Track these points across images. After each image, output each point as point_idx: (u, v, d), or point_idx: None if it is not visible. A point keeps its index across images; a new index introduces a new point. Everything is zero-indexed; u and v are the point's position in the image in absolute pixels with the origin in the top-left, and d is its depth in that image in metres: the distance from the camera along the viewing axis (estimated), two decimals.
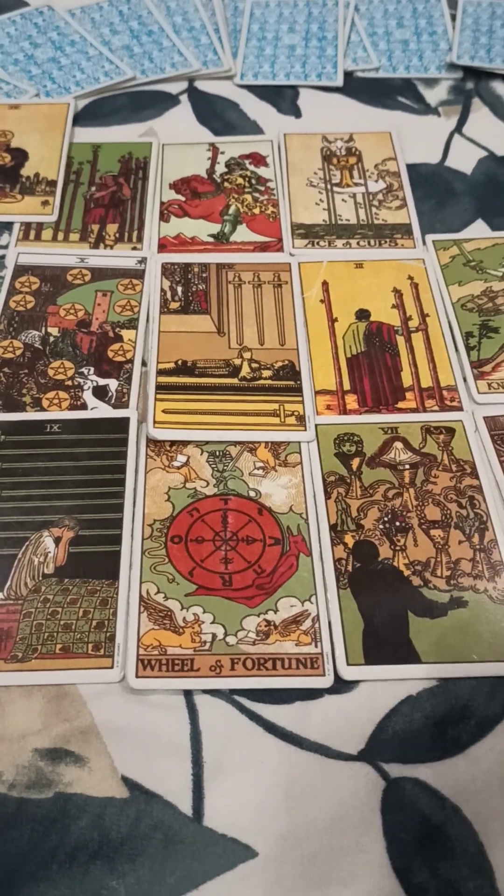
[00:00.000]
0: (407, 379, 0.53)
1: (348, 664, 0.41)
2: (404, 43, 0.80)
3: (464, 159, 0.68)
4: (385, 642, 0.42)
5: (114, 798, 0.37)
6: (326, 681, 0.41)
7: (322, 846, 0.36)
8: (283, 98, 0.74)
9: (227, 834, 0.36)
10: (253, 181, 0.66)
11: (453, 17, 0.83)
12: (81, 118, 0.71)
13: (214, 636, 0.42)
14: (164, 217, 0.63)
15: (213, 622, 0.42)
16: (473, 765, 0.38)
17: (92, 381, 0.52)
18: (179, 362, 0.53)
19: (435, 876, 0.36)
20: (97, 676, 0.40)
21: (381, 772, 0.38)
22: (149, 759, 0.38)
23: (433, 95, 0.75)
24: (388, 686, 0.41)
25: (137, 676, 0.40)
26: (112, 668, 0.40)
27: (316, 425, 0.51)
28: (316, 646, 0.42)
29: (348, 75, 0.76)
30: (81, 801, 0.37)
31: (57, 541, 0.44)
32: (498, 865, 0.36)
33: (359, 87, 0.75)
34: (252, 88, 0.75)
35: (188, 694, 0.40)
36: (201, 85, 0.75)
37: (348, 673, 0.41)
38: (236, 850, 0.36)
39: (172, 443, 0.49)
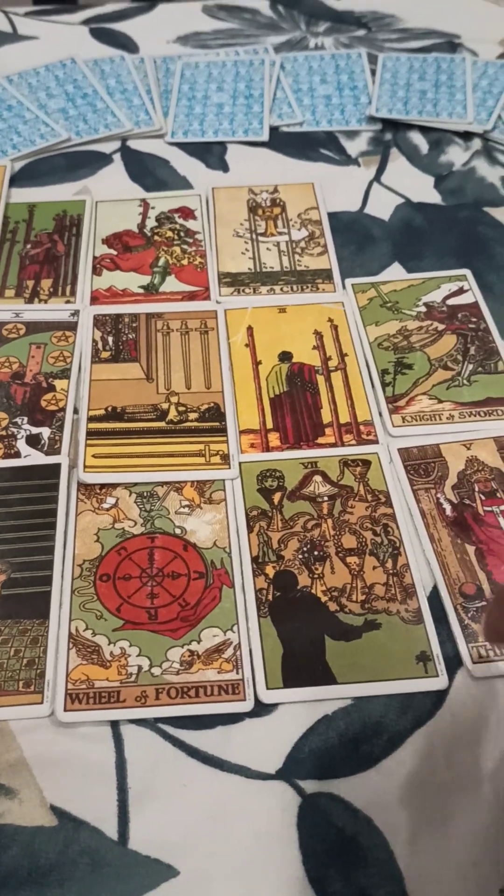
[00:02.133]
0: (326, 415, 0.56)
1: (268, 688, 0.43)
2: (327, 98, 0.85)
3: (382, 206, 0.73)
4: (303, 666, 0.44)
5: (43, 827, 0.39)
6: (247, 705, 0.43)
7: (241, 862, 0.38)
8: (212, 154, 0.78)
9: (150, 855, 0.38)
10: (182, 234, 0.69)
11: (373, 72, 0.88)
12: (18, 179, 0.74)
13: (140, 668, 0.44)
14: (96, 271, 0.66)
15: (139, 655, 0.44)
16: (384, 778, 0.41)
17: (25, 430, 0.54)
18: (109, 409, 0.56)
19: (349, 884, 0.38)
20: (27, 712, 0.42)
21: (297, 789, 0.40)
22: (76, 788, 0.40)
23: (354, 147, 0.79)
24: (305, 707, 0.43)
25: (66, 710, 0.42)
26: (42, 703, 0.42)
27: (240, 463, 0.53)
28: (237, 672, 0.44)
29: (274, 130, 0.81)
30: (12, 831, 0.39)
31: None
32: (407, 871, 0.38)
33: (284, 141, 0.80)
34: (182, 145, 0.79)
35: (114, 724, 0.42)
36: (134, 144, 0.79)
37: (268, 696, 0.43)
38: (159, 870, 0.38)
39: (102, 485, 0.52)
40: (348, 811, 0.40)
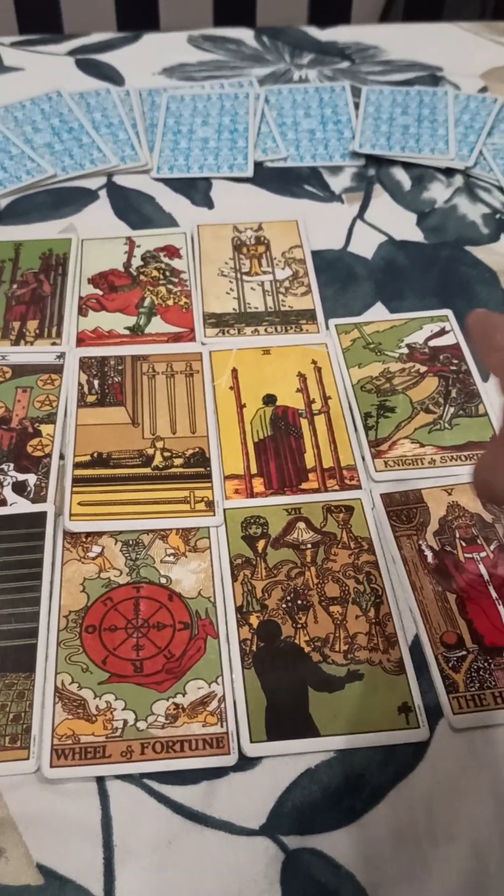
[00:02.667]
0: (310, 460, 0.57)
1: (251, 741, 0.44)
2: (311, 132, 0.86)
3: (365, 244, 0.74)
4: (286, 718, 0.45)
5: (29, 886, 0.39)
6: (231, 759, 0.43)
7: None
8: (197, 190, 0.79)
9: None
10: (167, 273, 0.70)
11: (357, 105, 0.89)
12: (3, 217, 0.74)
13: (126, 722, 0.44)
14: (82, 311, 0.66)
15: (124, 708, 0.45)
16: (366, 832, 0.41)
17: (11, 477, 0.55)
18: (95, 454, 0.56)
19: None
20: (13, 768, 0.43)
21: (280, 844, 0.41)
22: (62, 846, 0.40)
23: (337, 183, 0.80)
24: (288, 760, 0.44)
25: (52, 766, 0.43)
26: (28, 759, 0.43)
27: (224, 510, 0.54)
28: (221, 725, 0.45)
29: (258, 165, 0.81)
30: None
31: None
32: None
33: (268, 177, 0.81)
34: (167, 181, 0.79)
35: (100, 780, 0.43)
36: (119, 179, 0.79)
37: (251, 750, 0.44)
38: None
39: (87, 534, 0.52)
40: (330, 866, 0.40)
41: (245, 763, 0.43)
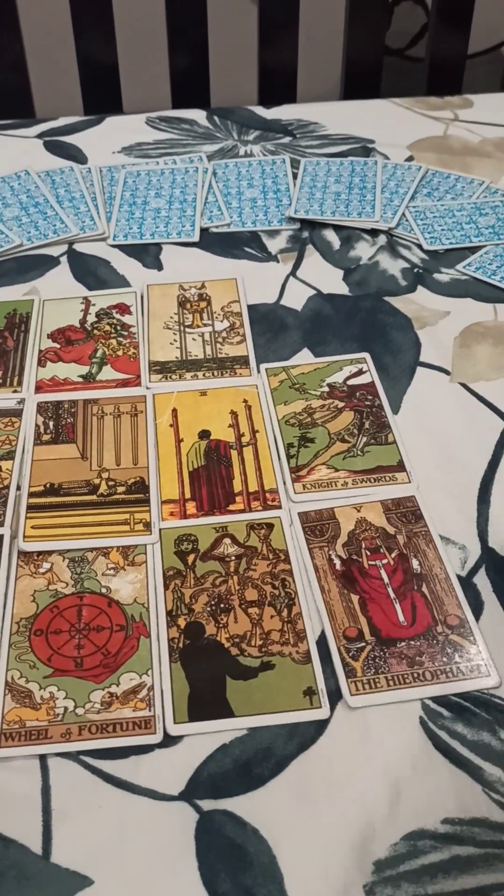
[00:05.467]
0: (237, 485, 0.65)
1: (175, 723, 0.51)
2: (253, 201, 0.96)
3: (296, 298, 0.83)
4: (206, 703, 0.52)
5: None
6: (156, 738, 0.50)
7: (145, 870, 0.45)
8: (148, 254, 0.88)
9: (69, 868, 0.45)
10: (118, 328, 0.79)
11: (295, 176, 0.99)
12: None
13: (66, 709, 0.51)
14: (41, 363, 0.75)
15: (65, 698, 0.52)
16: (271, 795, 0.48)
17: None
18: (48, 485, 0.64)
19: (236, 885, 0.45)
20: None
21: (195, 807, 0.47)
22: (7, 812, 0.47)
23: (274, 245, 0.90)
24: (206, 738, 0.50)
25: (0, 747, 0.49)
26: None
27: (160, 529, 0.62)
28: (149, 710, 0.51)
29: (204, 231, 0.91)
30: None
31: None
32: (286, 872, 0.45)
33: (212, 241, 0.90)
34: (122, 247, 0.89)
35: (42, 757, 0.49)
36: (79, 247, 0.89)
37: (174, 730, 0.51)
38: (76, 881, 0.45)
39: (39, 552, 0.60)
40: (238, 824, 0.47)
41: (169, 741, 0.50)
